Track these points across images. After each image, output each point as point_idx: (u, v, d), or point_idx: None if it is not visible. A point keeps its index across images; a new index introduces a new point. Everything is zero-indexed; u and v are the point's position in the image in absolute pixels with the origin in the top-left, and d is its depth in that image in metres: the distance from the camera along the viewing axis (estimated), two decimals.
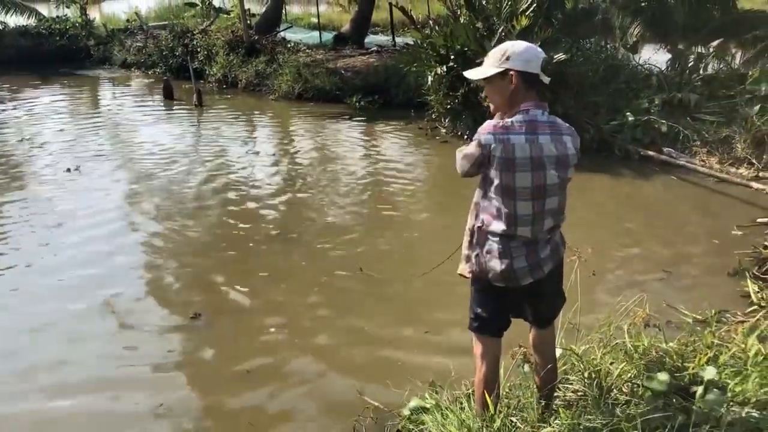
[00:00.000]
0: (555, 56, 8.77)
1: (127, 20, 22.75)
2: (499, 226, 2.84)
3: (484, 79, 2.91)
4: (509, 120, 2.82)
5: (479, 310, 3.06)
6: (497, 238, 2.86)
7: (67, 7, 22.03)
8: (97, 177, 9.03)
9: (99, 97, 16.18)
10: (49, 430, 4.04)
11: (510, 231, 2.83)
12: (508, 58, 2.82)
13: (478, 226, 2.93)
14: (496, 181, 2.80)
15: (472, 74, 3.00)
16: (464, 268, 3.05)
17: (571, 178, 2.93)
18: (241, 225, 7.28)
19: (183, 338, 5.01)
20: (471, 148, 2.86)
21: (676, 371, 3.39)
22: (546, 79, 2.91)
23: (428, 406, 3.56)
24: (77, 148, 10.56)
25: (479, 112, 9.44)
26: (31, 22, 21.00)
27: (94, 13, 24.27)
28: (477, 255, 2.94)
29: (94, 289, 5.70)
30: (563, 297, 3.24)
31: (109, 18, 24.91)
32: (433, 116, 10.91)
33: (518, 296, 3.03)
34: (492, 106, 3.01)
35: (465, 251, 3.03)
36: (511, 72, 2.81)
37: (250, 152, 10.61)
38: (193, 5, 20.17)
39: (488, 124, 2.84)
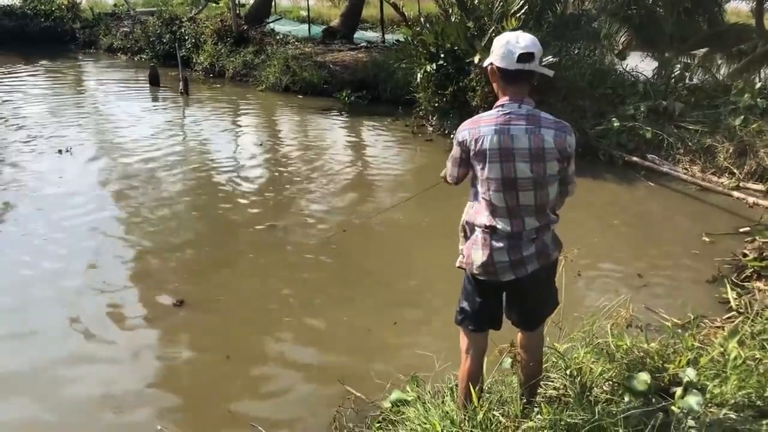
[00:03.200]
0: (544, 59, 8.82)
1: (115, 5, 22.61)
2: (481, 219, 2.90)
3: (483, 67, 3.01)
4: (485, 114, 2.87)
5: (464, 304, 3.08)
6: (480, 230, 2.90)
7: None
8: (77, 162, 8.92)
9: (82, 82, 15.96)
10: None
11: (491, 222, 2.87)
12: (492, 52, 2.87)
13: (466, 220, 3.00)
14: (477, 174, 2.89)
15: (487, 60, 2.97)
16: (459, 262, 3.07)
17: (558, 176, 2.88)
18: (223, 214, 7.25)
19: (165, 325, 4.97)
20: (453, 150, 2.98)
21: (657, 372, 3.43)
22: (548, 72, 2.97)
23: (409, 399, 3.57)
24: (57, 133, 10.40)
25: (467, 111, 9.47)
26: (16, 2, 20.70)
27: None
28: (465, 248, 2.99)
29: (73, 279, 5.64)
30: (554, 302, 3.18)
31: (95, 2, 24.61)
32: (421, 114, 10.94)
33: (500, 293, 3.04)
34: None
35: (460, 246, 3.07)
36: (492, 66, 2.87)
37: (235, 142, 10.56)
38: None
39: (465, 122, 2.93)
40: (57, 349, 4.59)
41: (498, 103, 2.86)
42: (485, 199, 2.87)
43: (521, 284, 2.93)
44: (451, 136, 10.07)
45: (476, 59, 8.93)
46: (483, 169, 2.82)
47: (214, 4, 19.51)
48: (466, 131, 2.87)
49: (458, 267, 3.07)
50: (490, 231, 2.87)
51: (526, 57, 2.75)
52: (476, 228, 2.92)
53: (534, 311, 3.12)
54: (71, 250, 6.18)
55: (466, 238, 3.01)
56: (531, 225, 2.86)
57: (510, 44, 2.78)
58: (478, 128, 2.81)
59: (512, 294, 3.03)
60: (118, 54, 18.92)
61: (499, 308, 3.11)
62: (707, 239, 6.61)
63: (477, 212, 2.93)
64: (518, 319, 3.14)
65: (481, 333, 3.11)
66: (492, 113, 2.84)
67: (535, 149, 2.76)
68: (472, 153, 2.83)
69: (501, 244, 2.85)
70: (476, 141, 2.80)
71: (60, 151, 9.26)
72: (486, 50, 8.61)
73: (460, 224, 3.07)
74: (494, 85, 2.95)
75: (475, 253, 2.91)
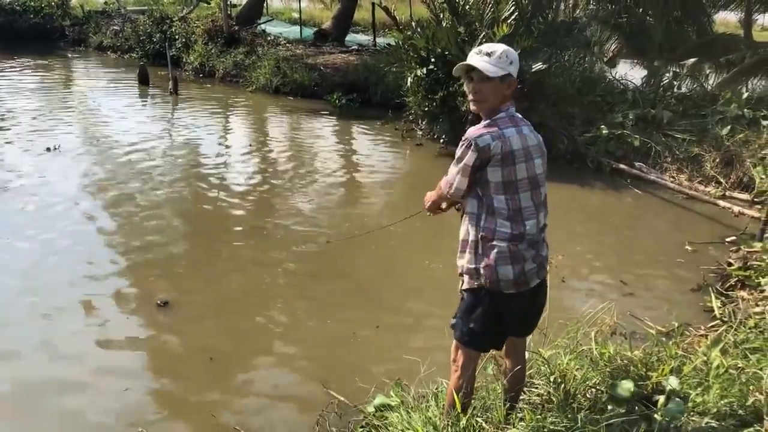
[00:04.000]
0: (534, 66, 8.86)
1: (105, 3, 22.49)
2: (505, 228, 2.79)
3: (488, 77, 2.80)
4: (494, 118, 2.82)
5: (473, 325, 2.94)
6: (505, 244, 2.78)
7: None
8: (64, 160, 8.85)
9: (71, 80, 15.86)
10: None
11: (518, 229, 2.78)
12: (511, 63, 2.82)
13: (483, 236, 2.82)
14: (497, 179, 2.77)
15: (480, 65, 2.79)
16: (470, 283, 2.90)
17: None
18: (210, 215, 7.23)
19: (149, 325, 4.93)
20: (464, 159, 2.76)
21: (640, 380, 3.43)
22: None
23: (393, 403, 3.56)
24: (45, 131, 10.33)
25: (456, 116, 9.50)
26: None
27: None
28: (486, 266, 2.81)
29: (60, 280, 5.58)
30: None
31: None
32: (411, 118, 10.94)
33: (522, 304, 2.93)
34: (475, 105, 2.90)
35: (468, 265, 2.88)
36: (512, 78, 2.83)
37: (223, 143, 10.52)
38: None
39: (476, 129, 2.79)
40: (35, 353, 4.52)
41: (502, 107, 2.84)
42: (509, 205, 2.78)
43: (540, 287, 2.95)
44: (441, 140, 10.15)
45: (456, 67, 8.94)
46: (508, 171, 2.76)
47: (205, 4, 19.45)
48: (487, 135, 2.75)
49: (476, 288, 2.89)
50: (518, 240, 2.79)
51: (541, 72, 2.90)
52: (497, 242, 2.79)
53: (537, 314, 3.13)
54: (54, 248, 6.13)
55: (478, 254, 2.85)
56: (543, 222, 2.92)
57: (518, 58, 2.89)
58: (501, 132, 2.76)
59: (532, 299, 2.96)
60: (108, 52, 18.83)
61: (510, 325, 3.01)
62: (689, 248, 6.65)
63: (496, 223, 2.79)
64: (521, 325, 3.09)
65: (486, 352, 3.10)
66: (502, 117, 2.82)
67: (540, 144, 2.90)
68: (497, 157, 2.73)
69: (528, 253, 2.81)
70: (503, 143, 2.74)
71: (48, 149, 9.18)
72: None
73: (462, 240, 2.93)
74: (494, 97, 2.83)
75: (504, 268, 2.79)
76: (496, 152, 2.73)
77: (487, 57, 2.81)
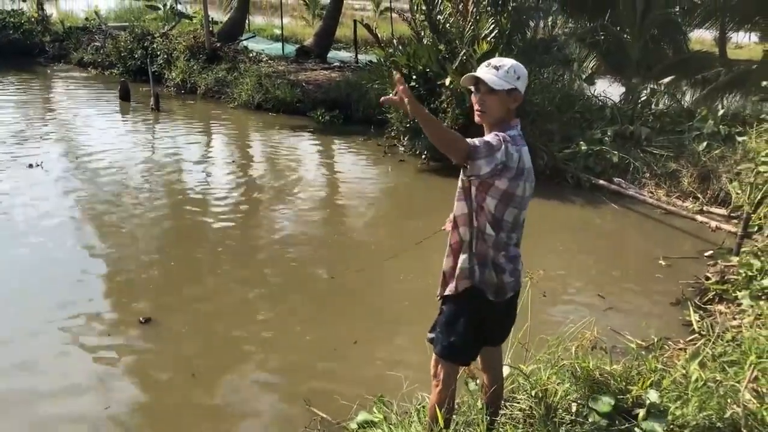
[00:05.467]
0: None
1: (86, 19, 22.35)
2: (494, 236, 2.87)
3: (491, 89, 2.83)
4: (512, 133, 2.84)
5: (453, 338, 2.98)
6: (492, 251, 2.88)
7: (23, 1, 21.50)
8: (46, 177, 8.78)
9: (52, 96, 15.73)
10: None
11: (506, 239, 2.89)
12: (518, 78, 2.86)
13: (477, 237, 2.90)
14: (502, 188, 2.79)
15: (486, 78, 2.83)
16: (458, 286, 2.95)
17: None
18: (192, 231, 7.20)
19: (130, 342, 4.90)
20: (496, 147, 2.70)
21: (620, 393, 3.47)
22: None
23: (376, 420, 3.56)
24: (27, 148, 10.23)
25: None
26: None
27: (51, 9, 23.73)
28: (472, 268, 2.90)
29: (41, 297, 5.53)
30: None
31: (66, 15, 24.39)
32: (393, 134, 11.00)
33: (497, 315, 3.02)
34: (479, 116, 2.91)
35: (462, 265, 2.92)
36: (518, 92, 2.87)
37: (206, 159, 10.50)
38: (154, 8, 19.92)
39: (502, 136, 2.76)
40: (15, 369, 4.48)
41: (512, 124, 2.89)
42: (501, 214, 2.85)
43: (511, 300, 3.03)
44: (423, 156, 10.21)
45: (447, 81, 9.03)
46: (514, 185, 2.80)
47: (187, 21, 19.44)
48: (512, 146, 2.76)
49: (462, 291, 2.94)
50: (504, 248, 2.91)
51: None
52: (491, 249, 2.88)
53: (511, 324, 3.22)
54: (35, 264, 6.07)
55: (473, 253, 2.91)
56: (520, 238, 3.01)
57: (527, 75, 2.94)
58: (519, 147, 2.81)
59: (503, 311, 3.05)
60: (89, 68, 18.71)
61: (486, 334, 3.07)
62: (663, 263, 6.73)
63: (485, 229, 2.87)
64: (496, 336, 3.17)
65: (467, 365, 3.13)
66: (517, 132, 2.88)
67: (532, 169, 2.94)
68: (512, 169, 2.76)
69: (509, 265, 2.92)
70: (520, 158, 2.80)
71: (30, 165, 9.10)
72: (457, 72, 8.72)
73: (463, 242, 2.94)
74: (497, 108, 2.86)
75: (489, 273, 2.89)
76: (513, 163, 2.75)
77: (494, 70, 2.86)
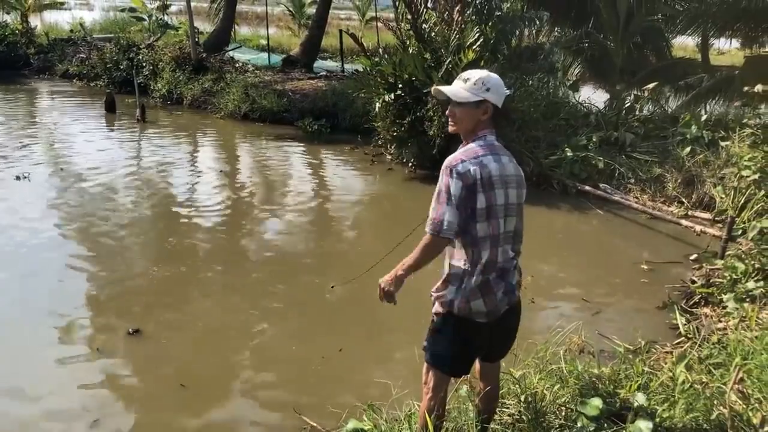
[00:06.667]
0: None
1: (71, 30, 22.27)
2: (482, 256, 2.81)
3: (458, 102, 2.90)
4: (471, 146, 2.87)
5: (439, 348, 2.98)
6: (478, 277, 2.81)
7: (7, 13, 21.40)
8: (33, 189, 8.73)
9: (37, 108, 15.64)
10: None
11: (492, 257, 2.81)
12: (488, 90, 2.87)
13: (456, 264, 2.88)
14: (480, 205, 2.79)
15: (449, 90, 2.93)
16: (440, 307, 2.93)
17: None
18: (179, 242, 7.17)
19: (119, 353, 4.87)
20: (450, 190, 2.74)
21: (609, 396, 3.50)
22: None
23: (366, 427, 3.57)
24: (13, 160, 10.16)
25: (424, 140, 9.62)
26: None
27: (35, 21, 23.63)
28: (460, 299, 2.84)
29: (30, 309, 5.48)
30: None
31: (51, 27, 24.28)
32: (380, 143, 11.03)
33: (490, 331, 2.94)
34: (451, 126, 2.99)
35: (439, 293, 2.93)
36: (488, 104, 2.88)
37: (192, 170, 10.48)
38: (140, 19, 19.91)
39: (455, 157, 2.82)
40: (4, 383, 4.44)
41: (480, 134, 2.89)
42: (488, 233, 2.80)
43: (506, 315, 2.94)
44: (410, 164, 10.25)
45: (433, 90, 9.08)
46: (489, 196, 2.78)
47: (172, 32, 19.43)
48: (467, 163, 2.78)
49: (446, 313, 2.90)
50: (492, 268, 2.82)
51: (507, 97, 2.95)
52: (476, 274, 2.81)
53: (508, 341, 3.15)
54: (23, 276, 6.03)
55: (451, 285, 2.88)
56: (514, 251, 2.94)
57: (502, 85, 2.93)
58: (479, 159, 2.80)
59: (498, 327, 2.95)
60: (74, 80, 18.64)
61: (480, 350, 3.05)
62: (645, 267, 6.79)
63: (472, 255, 2.82)
64: (491, 352, 3.12)
65: (455, 376, 3.11)
66: (480, 144, 2.87)
67: (518, 176, 2.93)
68: (479, 183, 2.76)
69: (499, 284, 2.84)
70: (482, 168, 2.77)
71: (18, 177, 9.06)
72: (443, 81, 8.77)
73: (444, 271, 2.94)
74: (470, 121, 2.90)
75: (476, 302, 2.82)
76: (476, 177, 2.75)
77: (463, 83, 2.92)
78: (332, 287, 5.81)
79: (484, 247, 2.81)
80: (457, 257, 2.87)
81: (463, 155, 2.82)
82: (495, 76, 2.94)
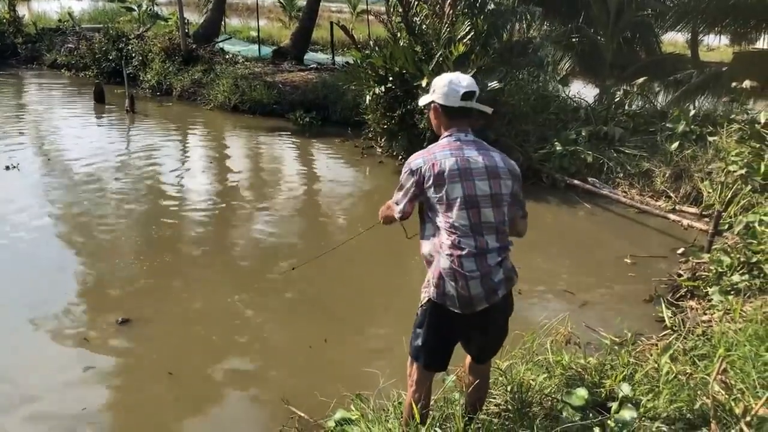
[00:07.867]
0: (489, 84, 9.04)
1: (59, 20, 22.08)
2: (446, 244, 2.84)
3: (423, 107, 3.14)
4: (435, 143, 3.02)
5: (420, 341, 3.00)
6: (448, 260, 2.83)
7: None
8: (23, 179, 8.68)
9: (24, 98, 15.52)
10: None
11: (456, 243, 2.81)
12: (433, 91, 3.05)
13: (429, 253, 2.95)
14: (435, 197, 2.87)
15: (421, 101, 3.21)
16: (423, 294, 2.97)
17: (513, 196, 2.96)
18: (168, 233, 7.16)
19: (108, 343, 4.87)
20: (403, 182, 3.00)
21: (594, 387, 3.54)
22: (487, 109, 3.15)
23: (354, 417, 3.59)
24: (2, 150, 10.13)
25: (414, 134, 9.62)
26: None
27: (23, 10, 23.40)
28: (435, 277, 2.88)
29: (18, 298, 5.48)
30: (507, 332, 3.18)
31: (39, 16, 24.09)
32: (370, 135, 11.03)
33: (469, 326, 2.96)
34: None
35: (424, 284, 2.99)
36: (434, 104, 3.05)
37: (182, 161, 10.44)
38: (129, 9, 19.76)
39: (415, 154, 3.03)
40: None
41: (445, 134, 3.03)
42: (447, 224, 2.84)
43: (489, 313, 2.91)
44: (400, 158, 10.25)
45: (424, 83, 9.09)
46: (443, 191, 2.85)
47: (162, 22, 19.31)
48: (420, 159, 2.96)
49: (426, 302, 2.95)
50: (459, 258, 2.81)
51: (469, 95, 2.98)
52: (443, 259, 2.84)
53: (495, 341, 3.14)
54: (11, 267, 6.01)
55: (430, 266, 2.94)
56: (493, 245, 2.87)
57: (453, 84, 2.99)
58: (433, 155, 2.93)
59: (477, 325, 2.95)
60: (63, 70, 18.50)
61: (461, 340, 3.08)
62: (629, 261, 6.83)
63: (440, 243, 2.87)
64: (478, 351, 3.14)
65: (438, 371, 3.13)
66: (442, 142, 3.00)
67: (491, 167, 2.93)
68: (428, 178, 2.88)
69: (474, 273, 2.81)
70: (433, 165, 2.89)
71: (7, 167, 9.00)
72: (433, 74, 8.77)
73: (423, 255, 3.00)
74: (434, 122, 3.13)
75: (448, 285, 2.83)
76: (426, 174, 2.90)
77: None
78: (292, 269, 5.74)
79: (446, 236, 2.86)
80: (426, 246, 2.98)
81: (422, 153, 3.00)
82: (447, 76, 3.05)
